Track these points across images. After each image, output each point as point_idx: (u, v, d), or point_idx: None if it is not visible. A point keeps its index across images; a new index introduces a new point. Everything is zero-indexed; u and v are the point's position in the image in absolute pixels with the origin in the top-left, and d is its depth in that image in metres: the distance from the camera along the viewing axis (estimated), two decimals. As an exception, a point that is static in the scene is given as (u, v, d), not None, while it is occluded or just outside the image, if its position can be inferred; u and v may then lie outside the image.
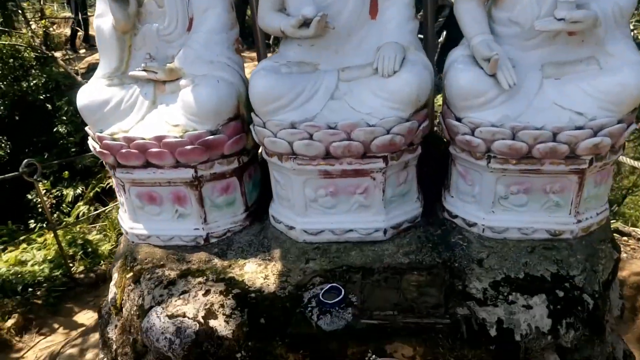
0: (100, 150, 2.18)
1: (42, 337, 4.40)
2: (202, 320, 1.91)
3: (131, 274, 2.22)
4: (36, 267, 5.03)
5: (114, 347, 2.27)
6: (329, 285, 1.94)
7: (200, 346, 1.89)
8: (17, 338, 4.90)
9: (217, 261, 2.18)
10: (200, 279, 2.08)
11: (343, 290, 1.90)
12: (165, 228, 2.30)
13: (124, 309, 2.23)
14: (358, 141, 1.93)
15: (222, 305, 1.94)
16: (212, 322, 1.90)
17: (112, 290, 2.32)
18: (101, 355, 2.45)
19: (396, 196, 2.14)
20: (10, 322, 4.82)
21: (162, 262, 2.21)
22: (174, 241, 2.30)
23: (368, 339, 1.82)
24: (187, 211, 2.26)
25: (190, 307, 1.95)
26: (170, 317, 1.94)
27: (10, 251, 5.70)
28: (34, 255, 5.27)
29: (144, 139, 2.10)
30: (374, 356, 1.81)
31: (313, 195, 2.10)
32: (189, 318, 1.92)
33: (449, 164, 2.23)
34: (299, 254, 2.15)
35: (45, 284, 4.75)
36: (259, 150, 2.19)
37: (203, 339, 1.89)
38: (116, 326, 2.30)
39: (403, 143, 1.97)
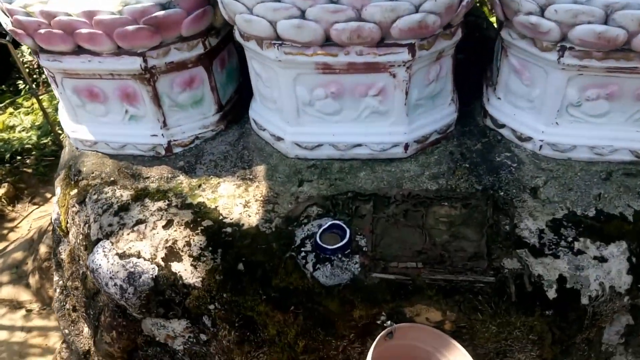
0: (13, 29, 1.56)
1: (35, 206, 4.29)
2: (162, 263, 1.43)
3: (75, 190, 1.71)
4: (24, 134, 4.69)
5: (66, 275, 1.83)
6: (330, 222, 1.43)
7: (162, 294, 1.43)
8: (9, 207, 4.63)
9: (182, 178, 1.65)
10: (160, 204, 1.57)
11: (348, 231, 1.38)
12: (115, 133, 1.74)
13: (70, 235, 1.76)
14: (372, 22, 1.30)
15: (187, 244, 1.45)
16: (175, 266, 1.42)
17: (55, 209, 1.83)
18: (56, 278, 2.03)
19: (424, 99, 1.54)
20: (0, 192, 4.54)
21: (112, 178, 1.68)
22: (127, 150, 1.75)
23: (381, 299, 1.34)
24: (140, 112, 1.69)
25: (146, 245, 1.46)
26: (122, 256, 1.45)
27: (-2, 116, 5.28)
28: (22, 121, 4.96)
29: (69, 14, 1.47)
30: (388, 322, 1.35)
31: (307, 96, 1.51)
32: (145, 259, 1.44)
33: (498, 51, 1.60)
34: (289, 173, 1.61)
35: (34, 152, 4.49)
36: (234, 28, 1.57)
37: (164, 286, 1.42)
38: (65, 250, 1.85)
39: (439, 25, 1.34)
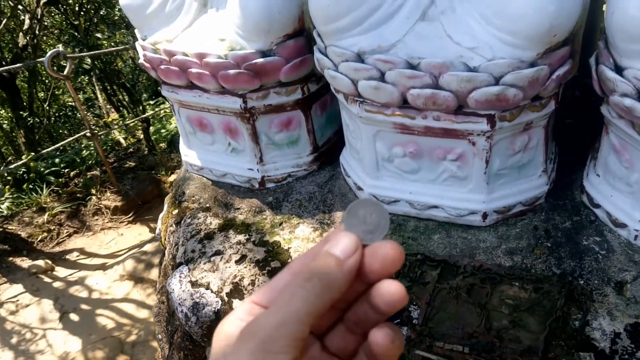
0: (142, 62, 1.77)
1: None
2: (225, 298, 1.52)
3: (176, 211, 1.88)
4: None
5: (159, 285, 2.02)
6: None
7: (224, 326, 1.53)
8: None
9: (268, 214, 1.74)
10: (241, 237, 1.67)
11: (402, 299, 1.37)
12: (219, 161, 1.89)
13: (165, 251, 1.93)
14: (448, 90, 1.27)
15: (252, 282, 1.53)
16: (237, 304, 1.51)
17: (159, 223, 2.03)
18: (159, 285, 2.24)
19: (507, 169, 1.46)
20: (173, 177, 4.94)
21: (208, 205, 1.83)
22: (226, 179, 1.89)
23: (420, 377, 1.31)
24: (240, 146, 1.81)
25: (217, 277, 1.57)
26: (193, 284, 1.58)
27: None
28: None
29: (185, 54, 1.63)
30: None
31: (386, 153, 1.52)
32: (212, 291, 1.55)
33: (602, 126, 1.46)
34: (365, 224, 1.63)
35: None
36: (332, 78, 1.62)
37: (225, 319, 1.52)
38: (163, 263, 2.04)
39: (521, 98, 1.27)
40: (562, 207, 1.55)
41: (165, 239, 1.91)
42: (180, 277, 1.61)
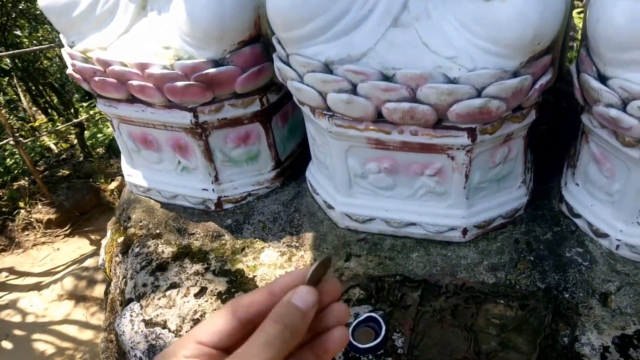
0: (72, 73, 1.57)
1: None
2: (188, 336, 1.37)
3: (122, 238, 1.70)
4: None
5: (104, 325, 1.83)
6: (366, 314, 1.31)
7: (187, 367, 1.38)
8: (119, 201, 4.71)
9: (227, 238, 1.60)
10: (198, 267, 1.51)
11: (384, 329, 1.26)
12: (168, 182, 1.72)
13: (112, 283, 1.75)
14: (427, 104, 1.17)
15: (217, 317, 1.39)
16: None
17: (102, 253, 1.84)
18: (104, 318, 2.05)
19: (487, 182, 1.38)
20: (113, 185, 4.63)
21: (158, 231, 1.66)
22: (178, 200, 1.73)
23: (409, 414, 1.21)
24: (192, 165, 1.65)
25: (174, 314, 1.41)
26: (147, 324, 1.41)
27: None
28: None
29: (124, 64, 1.45)
30: None
31: (360, 169, 1.40)
32: (169, 331, 1.39)
33: (580, 134, 1.41)
34: (337, 245, 1.51)
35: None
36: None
37: (189, 361, 1.37)
38: (110, 296, 1.85)
39: (504, 110, 1.18)
40: (541, 217, 1.49)
41: (110, 271, 1.73)
42: (131, 316, 1.44)
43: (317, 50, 1.24)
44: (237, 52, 1.42)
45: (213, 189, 1.66)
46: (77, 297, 3.89)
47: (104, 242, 1.84)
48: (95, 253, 4.22)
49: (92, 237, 4.39)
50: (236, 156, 1.63)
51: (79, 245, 4.32)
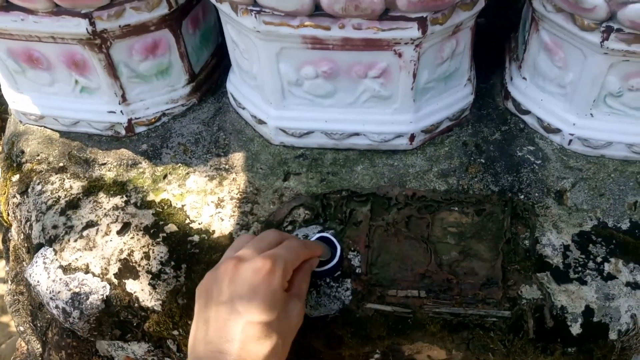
0: None
1: None
2: (114, 281, 1.19)
3: (17, 176, 1.44)
4: None
5: (10, 275, 1.60)
6: (318, 234, 1.19)
7: (116, 315, 1.21)
8: None
9: (145, 166, 1.39)
10: (117, 200, 1.31)
11: (339, 248, 1.15)
12: (65, 107, 1.45)
13: (12, 229, 1.51)
14: (377, -9, 1.02)
15: (146, 256, 1.21)
16: (131, 285, 1.18)
17: (-5, 194, 1.57)
18: (7, 268, 1.79)
19: (434, 81, 1.26)
20: None
21: (61, 164, 1.42)
22: (80, 127, 1.48)
23: (375, 335, 1.13)
24: (93, 84, 1.40)
25: (97, 256, 1.22)
26: (66, 270, 1.21)
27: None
28: None
29: (-9, -40, 1.16)
30: None
31: (294, 75, 1.23)
32: (94, 275, 1.20)
33: (526, 21, 1.31)
34: (273, 164, 1.36)
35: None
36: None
37: (118, 307, 1.20)
38: (11, 243, 1.61)
39: (461, -5, 1.05)
40: (487, 117, 1.41)
41: (8, 214, 1.48)
42: (44, 263, 1.23)
43: None
44: (138, -60, 1.16)
45: (121, 111, 1.42)
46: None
47: (-7, 182, 1.57)
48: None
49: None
50: (144, 70, 1.40)
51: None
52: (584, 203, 1.24)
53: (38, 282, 1.22)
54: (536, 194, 1.26)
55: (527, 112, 1.35)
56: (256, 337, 0.80)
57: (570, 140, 1.29)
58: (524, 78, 1.35)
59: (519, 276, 1.15)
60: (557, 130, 1.31)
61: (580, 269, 1.15)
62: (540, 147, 1.34)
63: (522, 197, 1.26)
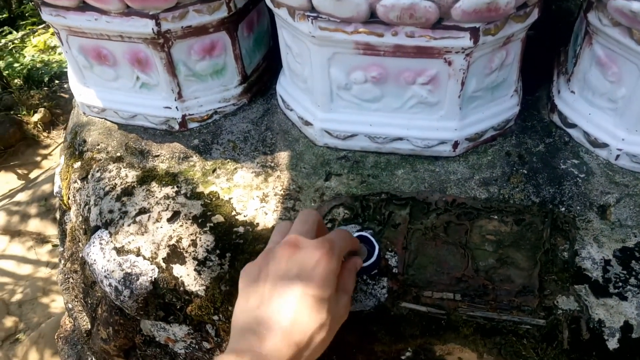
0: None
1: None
2: (162, 265, 1.25)
3: (79, 163, 1.54)
4: (63, 56, 4.55)
5: (66, 255, 1.69)
6: (356, 232, 1.22)
7: (162, 297, 1.27)
8: (44, 133, 4.57)
9: (196, 160, 1.46)
10: (168, 190, 1.38)
11: (377, 247, 1.18)
12: (125, 101, 1.54)
13: (71, 212, 1.60)
14: (429, 0, 1.05)
15: (193, 243, 1.27)
16: (177, 270, 1.24)
17: (57, 180, 1.67)
18: (60, 248, 1.89)
19: (482, 90, 1.29)
20: (36, 117, 4.43)
21: (119, 154, 1.50)
22: (137, 120, 1.56)
23: (408, 334, 1.15)
24: (153, 80, 1.48)
25: (147, 241, 1.29)
26: (119, 251, 1.28)
27: (41, 34, 5.11)
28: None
29: (71, -38, 1.26)
30: None
31: (344, 79, 1.28)
32: (144, 258, 1.27)
33: (578, 35, 1.32)
34: (316, 164, 1.40)
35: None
36: (264, -11, 1.33)
37: (164, 290, 1.26)
38: (69, 222, 1.70)
39: (512, 7, 1.08)
40: (531, 128, 1.42)
41: (68, 198, 1.57)
42: (100, 244, 1.31)
43: (300, -61, 1.09)
44: (203, -54, 1.24)
45: (177, 107, 1.50)
46: (12, 232, 3.70)
47: (57, 169, 1.66)
48: (25, 187, 3.98)
49: (20, 171, 4.14)
50: (201, 70, 1.47)
51: (6, 180, 4.08)
52: (629, 219, 1.23)
53: (95, 260, 1.29)
54: (578, 207, 1.26)
55: (574, 126, 1.36)
56: (310, 308, 0.83)
57: (618, 156, 1.29)
58: (572, 92, 1.36)
59: (555, 286, 1.15)
60: (604, 145, 1.31)
61: (620, 284, 1.14)
62: (585, 160, 1.34)
63: (563, 209, 1.26)
